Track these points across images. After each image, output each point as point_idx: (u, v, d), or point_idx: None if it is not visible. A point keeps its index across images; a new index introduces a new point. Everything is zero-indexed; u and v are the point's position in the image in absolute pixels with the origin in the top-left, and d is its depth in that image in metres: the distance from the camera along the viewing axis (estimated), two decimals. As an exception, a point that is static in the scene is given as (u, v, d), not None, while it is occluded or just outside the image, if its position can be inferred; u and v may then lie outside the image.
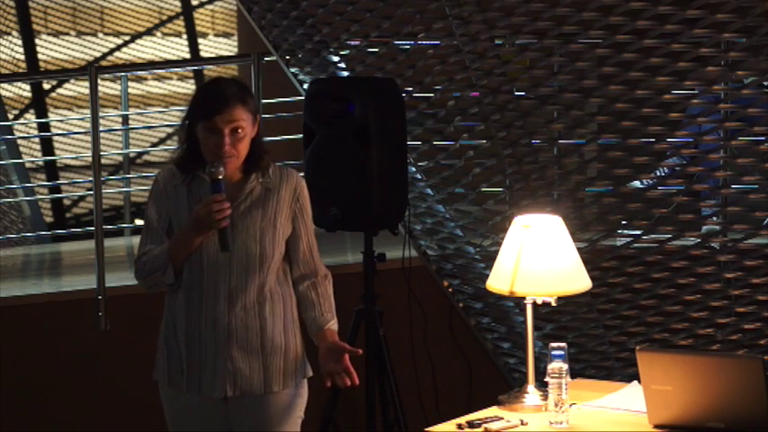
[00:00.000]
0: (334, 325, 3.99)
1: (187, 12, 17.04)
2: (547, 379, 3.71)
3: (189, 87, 16.84)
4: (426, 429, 3.76)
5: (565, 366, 3.70)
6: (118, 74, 8.57)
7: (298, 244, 3.98)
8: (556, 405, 3.70)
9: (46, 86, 15.73)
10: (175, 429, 4.00)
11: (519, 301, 4.91)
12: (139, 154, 14.04)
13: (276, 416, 3.94)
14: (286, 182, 3.95)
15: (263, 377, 3.90)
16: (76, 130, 11.26)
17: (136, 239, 7.68)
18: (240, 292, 3.87)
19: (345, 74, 5.78)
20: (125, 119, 7.62)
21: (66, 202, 14.62)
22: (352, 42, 5.70)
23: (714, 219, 5.37)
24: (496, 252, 4.07)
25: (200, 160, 3.88)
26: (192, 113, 3.88)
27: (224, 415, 3.94)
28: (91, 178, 6.12)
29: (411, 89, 5.64)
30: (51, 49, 15.93)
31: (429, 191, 5.81)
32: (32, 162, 13.39)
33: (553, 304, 3.98)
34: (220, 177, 3.79)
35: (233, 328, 3.87)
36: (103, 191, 6.16)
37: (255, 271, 3.88)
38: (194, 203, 3.87)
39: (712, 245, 5.37)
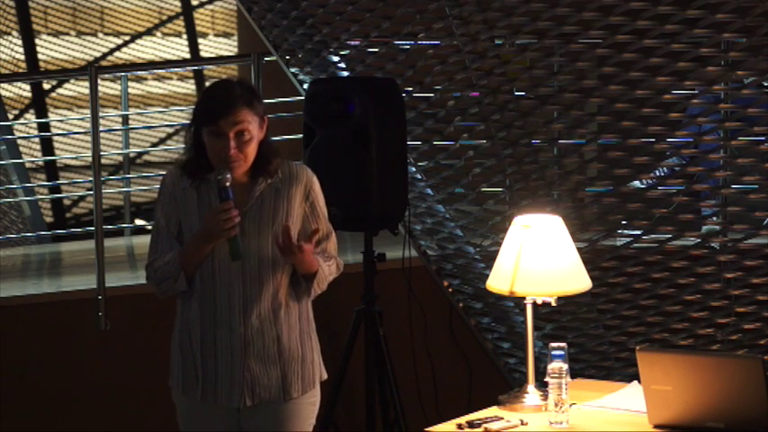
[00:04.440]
0: (324, 267, 3.86)
1: (187, 12, 17.03)
2: (547, 379, 3.71)
3: (189, 87, 16.85)
4: (426, 429, 3.75)
5: (565, 366, 3.70)
6: (118, 74, 8.57)
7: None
8: (556, 405, 3.70)
9: (46, 86, 15.72)
10: None
11: (519, 301, 4.91)
12: (139, 154, 14.04)
13: (295, 424, 3.88)
14: (296, 180, 3.87)
15: (281, 385, 3.85)
16: (76, 130, 11.25)
17: (136, 239, 7.69)
18: (254, 301, 3.80)
19: (345, 74, 5.78)
20: (125, 119, 7.61)
21: (67, 202, 14.62)
22: (352, 42, 5.70)
23: (714, 219, 5.38)
24: (496, 252, 4.07)
25: (207, 164, 3.80)
26: (196, 117, 3.81)
27: (236, 422, 3.88)
28: (91, 178, 6.12)
29: (411, 89, 5.64)
30: (51, 49, 15.93)
31: (429, 191, 5.81)
32: (32, 162, 13.40)
33: (553, 304, 3.98)
34: (228, 184, 3.73)
35: (249, 338, 3.80)
36: (103, 191, 6.16)
37: (269, 277, 3.81)
38: (204, 208, 3.81)
39: (712, 245, 5.38)
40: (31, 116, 15.26)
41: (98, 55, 16.40)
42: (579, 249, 4.08)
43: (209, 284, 3.81)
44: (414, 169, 5.73)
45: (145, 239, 7.50)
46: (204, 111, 3.79)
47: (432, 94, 5.63)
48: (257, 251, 3.80)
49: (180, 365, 3.88)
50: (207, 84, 16.27)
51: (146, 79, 16.52)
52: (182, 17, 17.08)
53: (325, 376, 3.98)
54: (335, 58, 5.80)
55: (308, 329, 3.92)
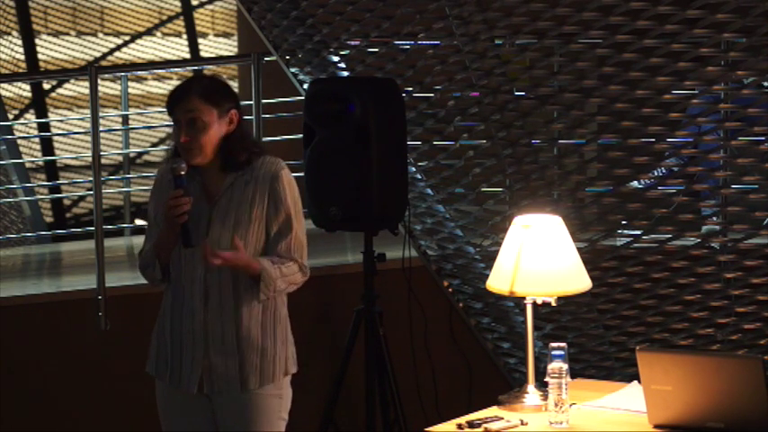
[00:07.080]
0: (269, 268, 3.88)
1: (187, 12, 17.04)
2: (547, 379, 3.71)
3: (189, 87, 16.80)
4: (426, 429, 3.75)
5: (565, 366, 3.70)
6: (118, 74, 8.57)
7: (269, 233, 3.98)
8: (556, 405, 3.70)
9: (46, 86, 15.73)
10: (166, 425, 4.06)
11: (519, 301, 4.91)
12: (139, 154, 14.04)
13: (257, 416, 3.96)
14: (265, 173, 3.96)
15: (238, 375, 3.93)
16: (76, 130, 11.26)
17: (136, 239, 7.69)
18: (215, 288, 3.91)
19: (345, 74, 5.78)
20: (125, 119, 7.61)
21: (67, 202, 14.62)
22: (352, 42, 5.70)
23: (714, 219, 5.38)
24: (496, 252, 4.07)
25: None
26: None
27: (210, 413, 3.98)
28: (91, 178, 6.12)
29: (411, 89, 5.64)
30: (51, 49, 15.93)
31: (429, 191, 5.81)
32: (32, 162, 13.39)
33: (553, 304, 3.98)
34: (182, 173, 3.86)
35: (209, 326, 3.92)
36: (103, 191, 6.16)
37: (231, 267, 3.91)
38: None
39: (712, 245, 5.37)
40: (31, 116, 15.26)
41: (98, 55, 16.39)
42: (579, 249, 4.08)
43: (178, 272, 3.96)
44: (414, 169, 5.73)
45: (145, 239, 7.51)
46: (167, 102, 3.95)
47: (432, 94, 5.63)
48: (219, 240, 3.90)
49: (155, 351, 4.04)
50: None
51: (146, 79, 16.52)
52: (182, 17, 17.08)
53: (292, 370, 4.03)
54: (335, 58, 5.80)
55: (272, 323, 3.98)
